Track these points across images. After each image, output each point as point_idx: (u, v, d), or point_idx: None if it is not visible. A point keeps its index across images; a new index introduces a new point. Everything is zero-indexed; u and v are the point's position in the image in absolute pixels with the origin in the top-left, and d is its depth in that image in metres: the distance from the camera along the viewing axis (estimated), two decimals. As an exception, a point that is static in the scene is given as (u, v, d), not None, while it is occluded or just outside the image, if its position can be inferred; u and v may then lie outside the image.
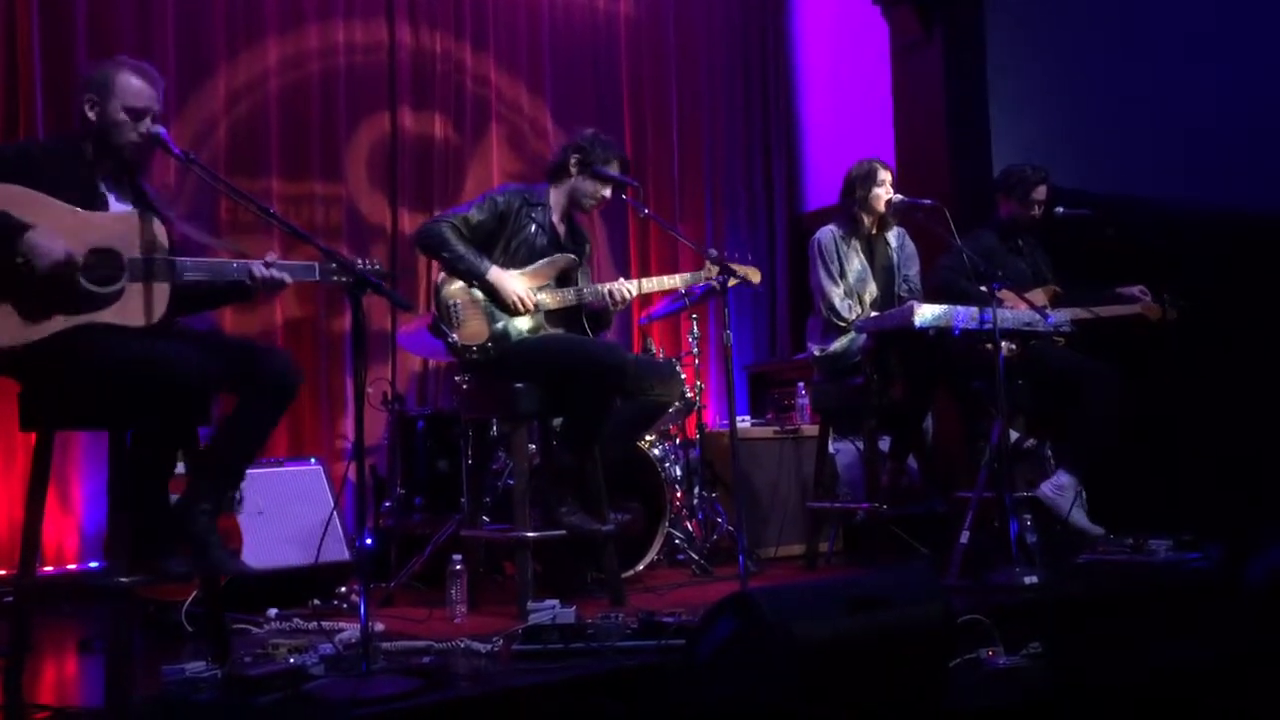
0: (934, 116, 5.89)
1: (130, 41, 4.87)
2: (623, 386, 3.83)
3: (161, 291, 2.92)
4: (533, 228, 3.98)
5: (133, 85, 2.98)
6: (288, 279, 3.05)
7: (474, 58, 5.92)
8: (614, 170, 4.01)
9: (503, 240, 3.94)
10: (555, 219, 4.06)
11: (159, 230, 2.95)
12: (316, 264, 3.06)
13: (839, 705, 2.46)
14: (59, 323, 2.79)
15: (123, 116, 2.96)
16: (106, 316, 2.84)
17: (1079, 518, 4.32)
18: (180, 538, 2.92)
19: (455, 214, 3.95)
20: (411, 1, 5.70)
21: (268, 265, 3.03)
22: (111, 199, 3.02)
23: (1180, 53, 6.61)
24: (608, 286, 3.96)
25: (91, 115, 2.99)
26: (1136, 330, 4.68)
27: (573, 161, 4.01)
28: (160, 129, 3.00)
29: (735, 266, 3.93)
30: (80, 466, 4.67)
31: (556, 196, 4.07)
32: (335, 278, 3.01)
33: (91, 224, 2.87)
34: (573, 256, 4.03)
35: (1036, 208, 4.74)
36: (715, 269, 3.92)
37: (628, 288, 3.98)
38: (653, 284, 4.14)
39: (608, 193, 4.06)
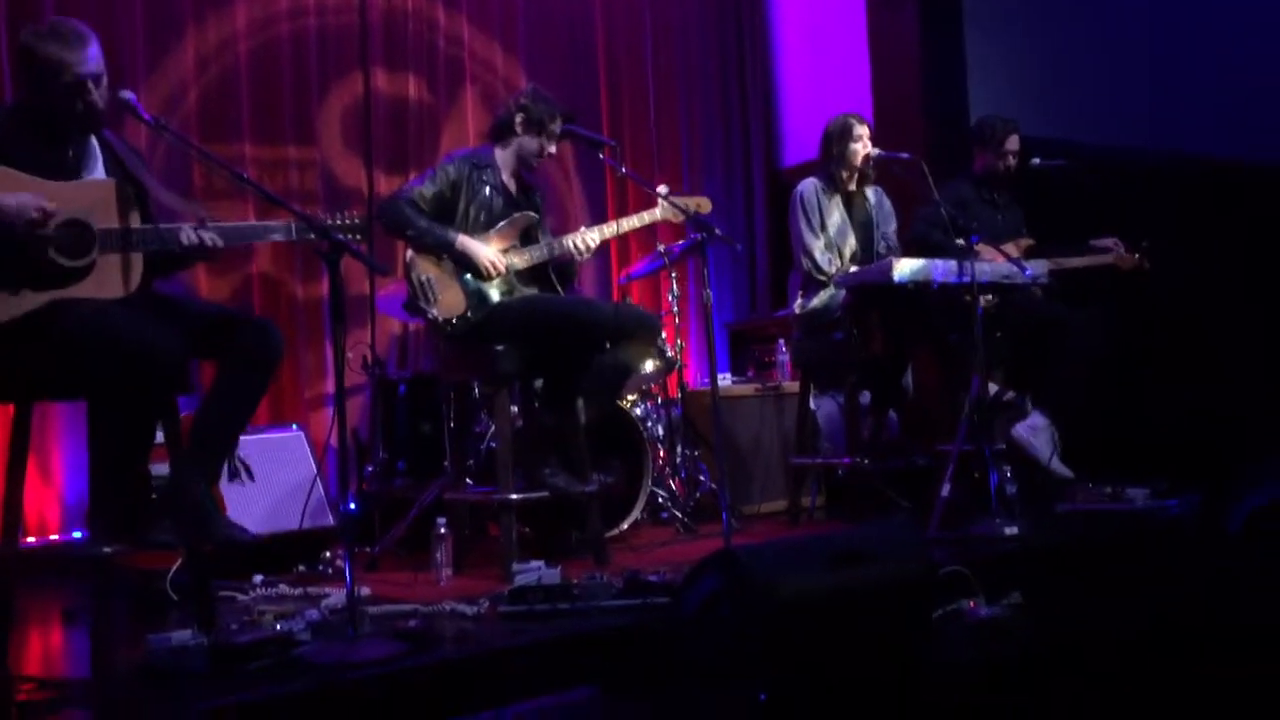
0: (910, 70, 5.87)
1: (96, 2, 4.79)
2: (601, 340, 3.83)
3: (136, 261, 2.89)
4: (486, 190, 3.96)
5: (57, 59, 2.82)
6: (218, 242, 2.96)
7: (446, 17, 5.84)
8: (557, 127, 3.99)
9: (460, 208, 3.93)
10: (505, 178, 4.04)
11: (128, 196, 2.91)
12: (289, 223, 2.99)
13: (823, 659, 2.49)
14: (32, 300, 2.76)
15: (60, 92, 2.85)
16: (83, 290, 2.81)
17: (1054, 463, 4.36)
18: (172, 508, 2.91)
19: (410, 189, 3.94)
20: (382, -39, 5.63)
21: (197, 229, 2.94)
22: (81, 164, 2.97)
23: (1155, 4, 6.62)
24: (570, 239, 3.96)
25: (29, 90, 2.89)
26: (1110, 280, 4.71)
27: (517, 120, 3.98)
28: (130, 95, 2.95)
29: (682, 200, 4.01)
30: (60, 437, 4.64)
31: (503, 156, 4.05)
32: (306, 236, 2.95)
33: (59, 195, 2.82)
34: (532, 214, 4.01)
35: (1010, 158, 4.77)
36: (667, 205, 4.00)
37: (590, 237, 3.97)
38: (613, 228, 4.13)
39: (553, 148, 4.04)
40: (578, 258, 3.97)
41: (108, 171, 3.01)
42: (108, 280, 2.85)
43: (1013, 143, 4.76)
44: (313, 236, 2.88)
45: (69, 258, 2.80)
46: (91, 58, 2.87)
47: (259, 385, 3.04)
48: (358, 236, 2.97)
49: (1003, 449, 4.34)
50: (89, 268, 2.83)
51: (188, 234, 2.94)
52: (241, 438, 4.20)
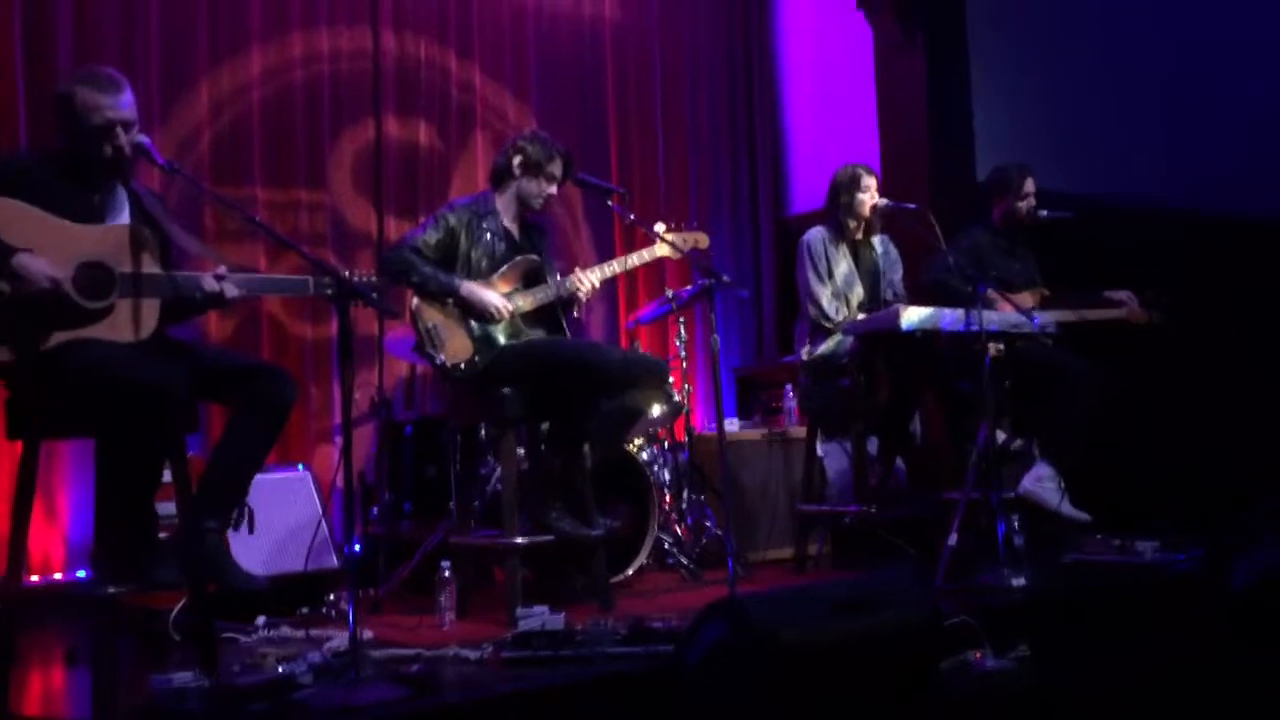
0: (917, 119, 5.91)
1: (114, 51, 4.86)
2: (608, 384, 3.84)
3: (151, 307, 2.93)
4: (488, 236, 3.99)
5: (91, 102, 2.91)
6: (230, 291, 3.01)
7: (459, 64, 5.92)
8: (557, 169, 4.01)
9: (462, 255, 3.95)
10: (507, 223, 4.06)
11: (149, 243, 2.95)
12: (309, 278, 3.06)
13: (828, 709, 2.47)
14: (51, 338, 2.79)
15: (91, 135, 2.92)
16: (97, 332, 2.84)
17: (1065, 507, 4.34)
18: (183, 553, 2.92)
19: (414, 237, 3.96)
20: (396, 8, 5.70)
21: (219, 278, 3.01)
22: (107, 210, 3.02)
23: (1162, 53, 6.67)
24: (572, 279, 3.98)
25: (65, 135, 2.98)
26: (1121, 334, 4.71)
27: (515, 163, 4.01)
28: (144, 139, 3.00)
29: (679, 236, 4.07)
30: (66, 476, 4.65)
31: (504, 201, 4.07)
32: (324, 291, 3.00)
33: (82, 238, 2.87)
34: (535, 258, 4.03)
35: (1031, 199, 4.78)
36: (668, 242, 4.04)
37: (592, 276, 3.98)
38: (613, 266, 4.14)
39: (553, 189, 4.05)
40: (581, 298, 3.99)
41: (133, 219, 3.06)
42: (122, 324, 2.88)
43: (1030, 184, 4.79)
44: (331, 293, 2.89)
45: (88, 299, 2.83)
46: (124, 104, 2.95)
47: (272, 432, 3.06)
48: (374, 294, 2.99)
49: (1011, 497, 4.32)
50: (106, 310, 2.86)
51: (209, 282, 2.99)
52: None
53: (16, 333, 2.77)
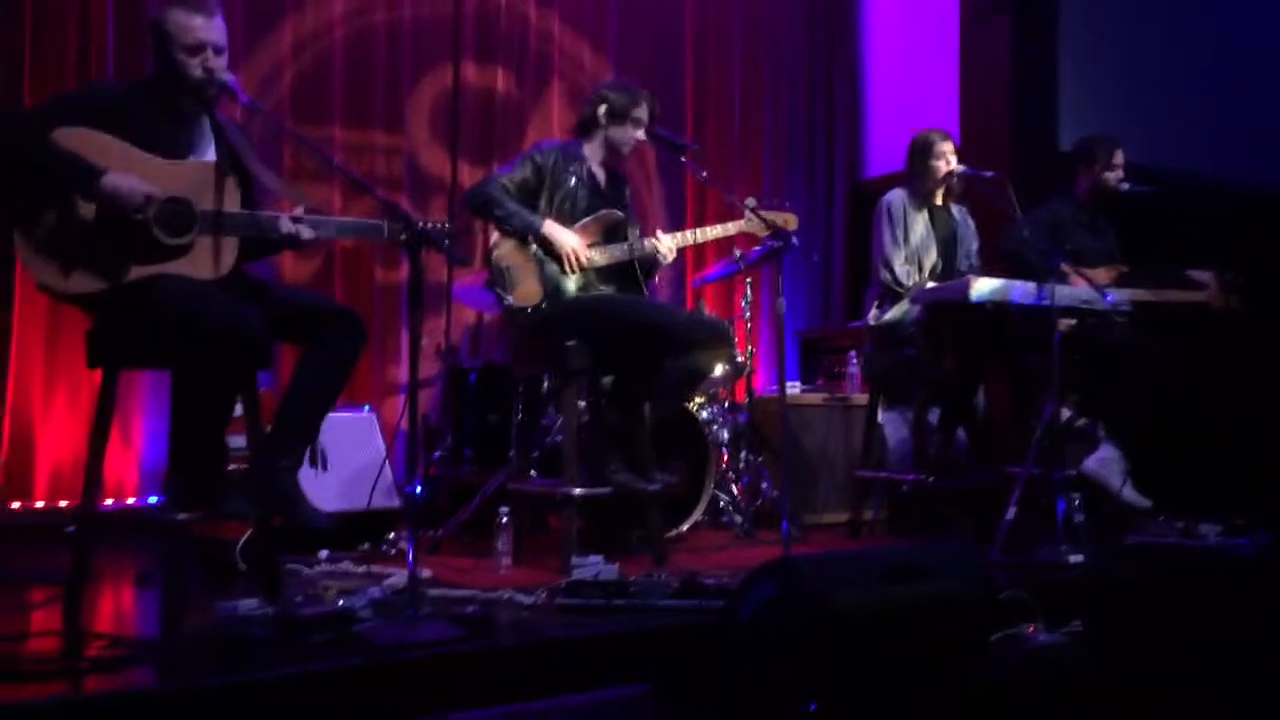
0: (1000, 89, 5.80)
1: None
2: (673, 345, 3.84)
3: (230, 245, 2.98)
4: (573, 181, 3.99)
5: (183, 22, 2.97)
6: (306, 234, 3.06)
7: (538, 13, 5.91)
8: (642, 112, 4.00)
9: (545, 195, 3.96)
10: (594, 170, 4.07)
11: (231, 181, 3.00)
12: (384, 223, 3.11)
13: (876, 674, 2.48)
14: (132, 272, 2.86)
15: (181, 56, 2.98)
16: (178, 267, 2.90)
17: (1127, 491, 4.29)
18: (255, 488, 3.00)
19: (499, 175, 3.98)
20: (479, -46, 5.70)
21: (295, 220, 3.06)
22: (194, 143, 3.07)
23: (1261, 33, 6.46)
24: (651, 242, 3.98)
25: (157, 60, 3.03)
26: (1196, 315, 4.61)
27: (601, 112, 4.01)
28: (229, 76, 3.04)
29: (769, 214, 4.01)
30: (142, 404, 4.79)
31: (592, 149, 4.07)
32: (398, 236, 3.03)
33: (168, 172, 2.92)
34: (619, 214, 4.03)
35: (1120, 171, 4.67)
36: (753, 218, 3.98)
37: (667, 244, 3.98)
38: (691, 236, 4.13)
39: (641, 134, 4.04)
40: (662, 262, 4.00)
41: (218, 154, 3.11)
42: (202, 260, 2.94)
43: (1119, 157, 4.68)
44: (403, 238, 2.91)
45: (170, 235, 2.89)
46: (216, 27, 3.01)
47: (344, 373, 3.12)
48: (446, 241, 3.02)
49: (1072, 475, 4.27)
50: (188, 246, 2.92)
51: (286, 224, 3.04)
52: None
53: (101, 263, 2.84)
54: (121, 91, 3.07)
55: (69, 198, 2.82)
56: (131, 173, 2.83)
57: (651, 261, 4.03)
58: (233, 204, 3.00)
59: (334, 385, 3.13)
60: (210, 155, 3.10)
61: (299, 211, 3.10)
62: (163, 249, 2.89)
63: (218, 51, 3.02)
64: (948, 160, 4.66)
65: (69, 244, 2.82)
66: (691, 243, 4.13)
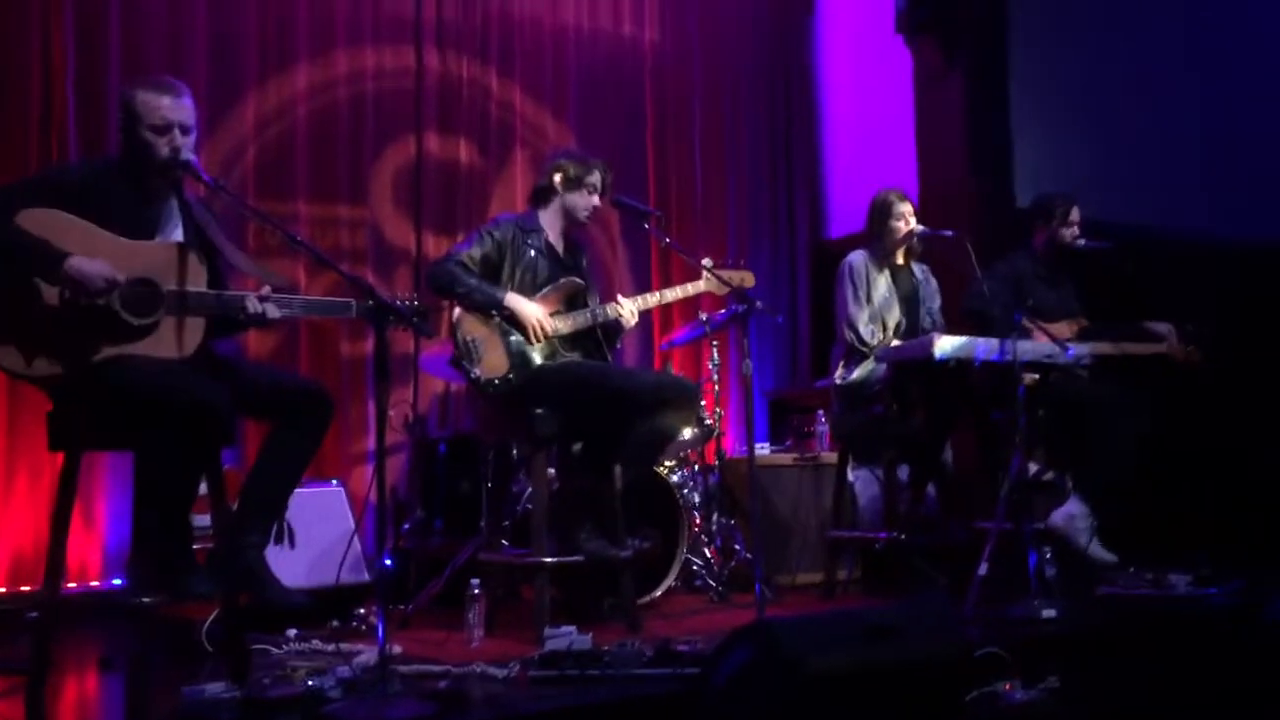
0: (956, 146, 5.90)
1: (161, 66, 4.94)
2: (639, 407, 3.85)
3: (196, 325, 2.98)
4: (532, 252, 4.02)
5: (151, 102, 3.00)
6: (272, 312, 3.06)
7: (500, 84, 5.98)
8: (596, 179, 4.05)
9: (506, 271, 3.99)
10: (552, 239, 4.10)
11: (197, 261, 3.00)
12: (351, 301, 3.12)
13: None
14: (97, 354, 2.84)
15: (149, 135, 3.00)
16: (143, 348, 2.89)
17: (1094, 548, 4.30)
18: (223, 567, 2.96)
19: (459, 251, 4.00)
20: (439, 27, 5.77)
21: (262, 299, 3.06)
22: (160, 223, 3.07)
23: (1205, 87, 6.62)
24: (614, 307, 4.00)
25: (124, 138, 3.05)
26: (1159, 366, 4.67)
27: (557, 180, 4.06)
28: (191, 156, 3.06)
29: (726, 273, 4.07)
30: (104, 485, 4.72)
31: (549, 218, 4.11)
32: (365, 313, 3.05)
33: (133, 253, 2.92)
34: (579, 281, 4.06)
35: (1075, 228, 4.75)
36: (711, 278, 4.04)
37: (629, 308, 4.01)
38: (656, 298, 4.16)
39: (596, 200, 4.09)
40: (625, 326, 4.02)
41: (185, 234, 3.11)
42: (167, 340, 2.93)
43: (1075, 214, 4.76)
44: (369, 309, 2.94)
45: (135, 315, 2.88)
46: (183, 107, 3.03)
47: (310, 450, 3.11)
48: (414, 318, 3.07)
49: (1041, 528, 4.29)
50: (153, 327, 2.91)
51: (252, 303, 3.04)
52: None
53: (64, 346, 2.82)
54: (88, 173, 3.08)
55: (31, 281, 2.80)
56: (97, 254, 2.83)
57: (615, 326, 4.05)
58: (199, 284, 3.00)
59: (300, 462, 3.12)
60: (177, 235, 3.10)
61: (266, 290, 3.09)
62: (128, 329, 2.88)
63: (185, 131, 3.04)
64: (907, 220, 4.72)
65: (31, 327, 2.81)
66: (653, 305, 4.16)
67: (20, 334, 2.79)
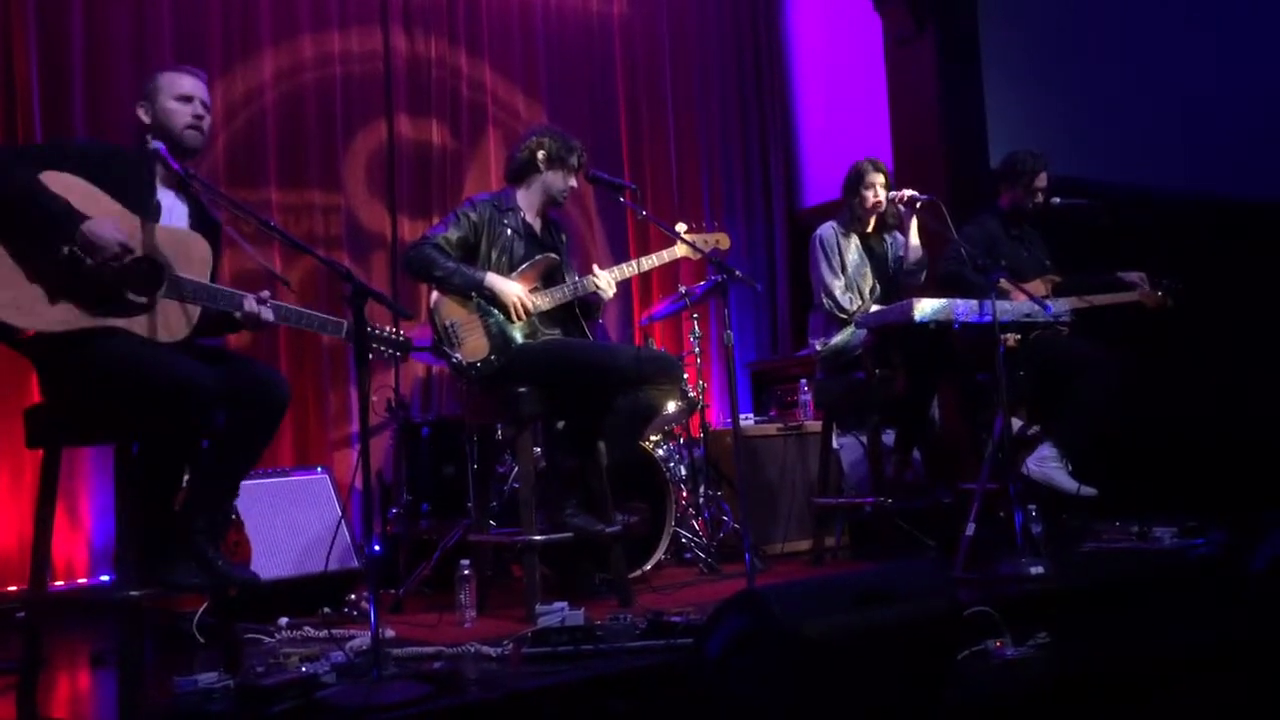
0: (928, 110, 5.90)
1: (126, 56, 4.91)
2: (622, 382, 3.85)
3: (190, 313, 2.96)
4: (509, 232, 4.00)
5: (175, 78, 3.15)
6: (266, 315, 3.06)
7: (469, 63, 5.94)
8: (576, 161, 4.05)
9: (483, 252, 3.97)
10: (529, 218, 4.08)
11: (202, 250, 2.99)
12: (344, 320, 3.13)
13: (848, 700, 2.47)
14: (91, 320, 2.81)
15: (173, 104, 3.11)
16: (135, 326, 2.86)
17: (1067, 480, 4.33)
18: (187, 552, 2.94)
19: (434, 235, 3.97)
20: (406, 9, 5.72)
21: (260, 301, 3.05)
22: (166, 207, 3.06)
23: (1175, 42, 6.64)
24: (591, 279, 3.99)
25: (146, 117, 3.12)
26: (1134, 316, 4.70)
27: (539, 158, 4.03)
28: (159, 144, 3.03)
29: (700, 236, 4.10)
30: (88, 481, 4.69)
31: (526, 196, 4.09)
32: (349, 338, 3.05)
33: (145, 231, 2.91)
34: (554, 256, 4.04)
35: (1039, 195, 4.76)
36: (688, 243, 4.03)
37: (606, 279, 4.00)
38: (633, 267, 4.15)
39: (574, 182, 4.08)
40: (604, 298, 4.01)
41: (191, 224, 3.11)
42: (159, 323, 2.91)
43: (1042, 179, 4.77)
44: (344, 337, 3.05)
45: (135, 292, 2.86)
46: (202, 86, 3.18)
47: (263, 432, 3.05)
48: (397, 354, 3.21)
49: (1026, 488, 4.31)
50: (148, 306, 2.89)
51: (250, 303, 3.03)
52: (267, 481, 4.27)
53: (60, 304, 2.78)
54: (99, 150, 3.08)
55: (46, 238, 2.77)
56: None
57: (594, 301, 4.04)
58: (202, 274, 2.98)
59: (253, 444, 3.05)
60: (185, 225, 3.10)
61: (265, 294, 3.08)
62: (123, 304, 2.85)
63: (205, 107, 3.16)
64: (876, 191, 4.73)
65: (32, 279, 2.77)
66: (630, 275, 4.15)
67: (18, 286, 2.76)
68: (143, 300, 2.88)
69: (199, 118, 3.14)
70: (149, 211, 2.99)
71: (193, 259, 2.99)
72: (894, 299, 4.61)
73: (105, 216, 2.81)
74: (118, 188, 2.93)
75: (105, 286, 2.81)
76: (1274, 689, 2.82)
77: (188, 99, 3.13)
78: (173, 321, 2.93)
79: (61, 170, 2.85)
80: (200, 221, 3.16)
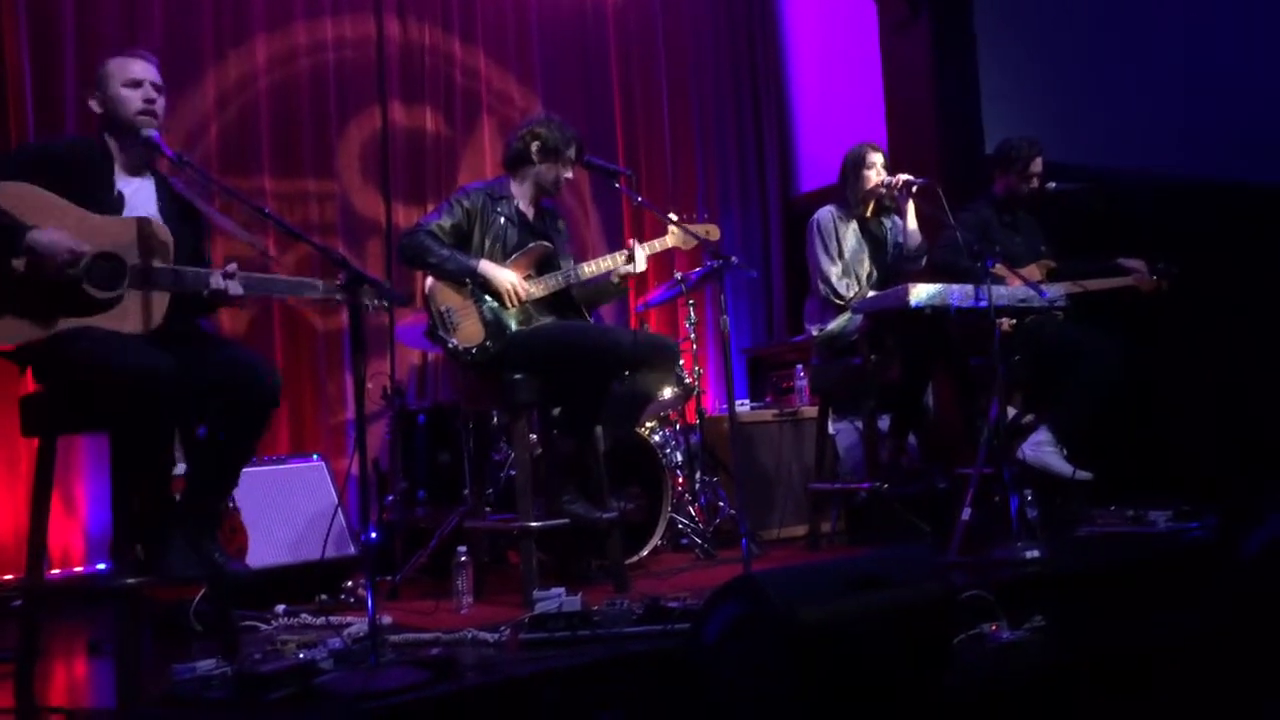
0: (923, 96, 5.89)
1: (118, 45, 4.87)
2: (618, 367, 3.85)
3: (160, 300, 2.94)
4: (502, 220, 4.00)
5: (123, 64, 3.09)
6: (234, 289, 3.03)
7: (463, 50, 5.92)
8: (573, 153, 4.03)
9: (476, 239, 3.96)
10: (523, 207, 4.07)
11: (163, 235, 2.97)
12: (318, 280, 3.12)
13: (843, 685, 2.48)
14: (60, 324, 2.81)
15: (123, 90, 3.06)
16: (106, 322, 2.85)
17: (1063, 465, 4.34)
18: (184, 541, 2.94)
19: (428, 221, 3.97)
20: (399, -5, 5.70)
21: (226, 276, 3.02)
22: (129, 195, 3.04)
23: (1171, 25, 6.63)
24: (580, 268, 3.98)
25: (98, 107, 3.08)
26: (1130, 301, 4.70)
27: (534, 149, 4.02)
28: (153, 132, 3.03)
29: (690, 226, 4.08)
30: (83, 469, 4.69)
31: (520, 186, 4.08)
32: (335, 297, 3.04)
33: (99, 229, 2.89)
34: (547, 244, 4.04)
35: (1034, 180, 4.76)
36: (678, 231, 4.06)
37: (620, 266, 3.99)
38: (648, 248, 4.14)
39: (569, 174, 4.08)
40: (616, 280, 4.00)
41: (162, 209, 3.09)
42: (130, 315, 2.89)
43: (1037, 165, 4.76)
44: (338, 298, 2.98)
45: (99, 289, 2.85)
46: (151, 69, 3.12)
47: (254, 424, 3.04)
48: (384, 303, 3.07)
49: (1023, 468, 4.32)
50: (116, 300, 2.88)
51: (216, 279, 3.00)
52: (263, 469, 4.27)
53: (29, 314, 2.79)
54: (71, 147, 3.08)
55: None
56: (64, 228, 2.80)
57: (599, 289, 4.03)
58: (164, 260, 2.96)
59: (246, 438, 3.04)
60: (152, 208, 3.08)
61: (232, 267, 3.05)
62: (91, 302, 2.85)
63: (157, 90, 3.10)
64: (878, 171, 4.73)
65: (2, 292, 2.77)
66: (629, 269, 4.13)
67: None
68: (109, 296, 2.87)
69: (150, 101, 3.08)
70: (108, 205, 2.98)
71: (154, 245, 2.95)
72: (891, 284, 4.60)
73: (54, 223, 2.79)
74: (79, 185, 2.92)
75: (70, 290, 2.80)
76: (1266, 672, 2.83)
77: (137, 84, 3.07)
78: (144, 312, 2.91)
79: (19, 177, 2.83)
80: (171, 201, 3.13)
